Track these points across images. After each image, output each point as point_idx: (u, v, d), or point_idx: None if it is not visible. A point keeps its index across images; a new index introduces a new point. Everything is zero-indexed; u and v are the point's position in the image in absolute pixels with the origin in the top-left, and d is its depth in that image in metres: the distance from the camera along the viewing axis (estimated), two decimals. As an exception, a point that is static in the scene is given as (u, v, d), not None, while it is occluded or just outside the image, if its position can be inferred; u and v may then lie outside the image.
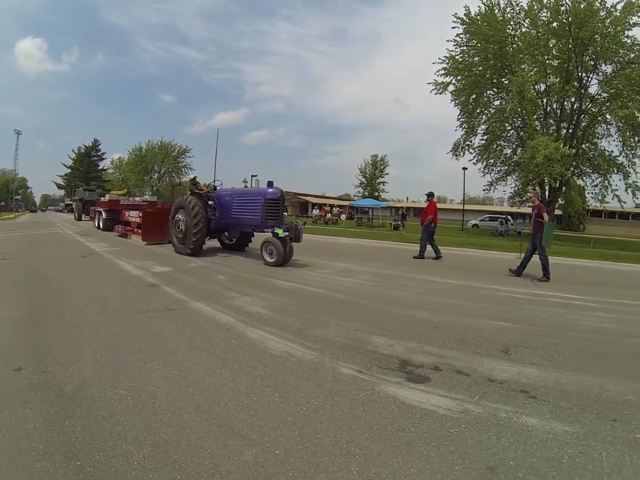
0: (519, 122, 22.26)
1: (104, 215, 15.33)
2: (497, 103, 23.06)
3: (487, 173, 23.87)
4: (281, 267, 7.04)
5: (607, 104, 19.11)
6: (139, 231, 11.24)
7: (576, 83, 20.22)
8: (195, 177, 9.77)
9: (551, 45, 20.42)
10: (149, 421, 1.92)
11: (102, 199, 18.23)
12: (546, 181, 20.44)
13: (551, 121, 22.18)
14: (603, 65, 19.76)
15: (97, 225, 16.43)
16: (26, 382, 2.29)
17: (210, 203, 8.78)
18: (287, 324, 3.61)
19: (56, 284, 5.37)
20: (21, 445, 1.69)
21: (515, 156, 22.62)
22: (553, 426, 2.04)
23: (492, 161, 23.56)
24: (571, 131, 21.54)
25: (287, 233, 7.33)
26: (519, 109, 20.27)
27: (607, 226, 38.88)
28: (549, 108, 22.22)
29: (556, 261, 9.47)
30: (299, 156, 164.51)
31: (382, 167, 50.80)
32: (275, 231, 7.33)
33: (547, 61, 20.99)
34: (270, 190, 7.78)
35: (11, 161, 52.86)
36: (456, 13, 21.32)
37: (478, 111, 23.24)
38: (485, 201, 61.70)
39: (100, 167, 57.97)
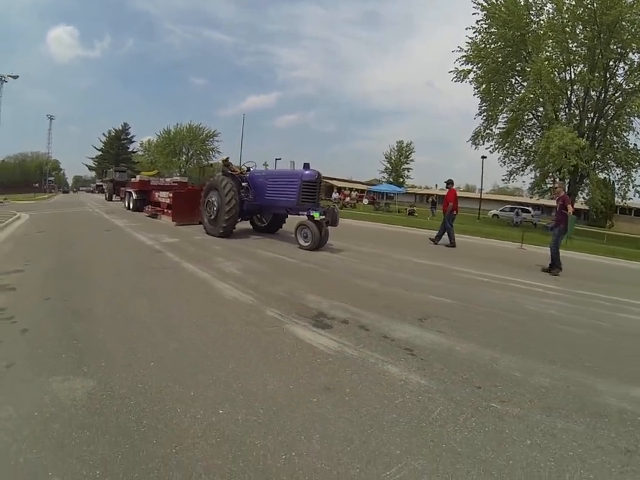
0: (541, 111, 21.87)
1: (134, 195, 15.60)
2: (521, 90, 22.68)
3: (506, 163, 23.67)
4: (315, 250, 7.06)
5: (632, 96, 18.49)
6: (169, 212, 11.42)
7: (602, 72, 19.64)
8: (228, 157, 9.64)
9: (577, 32, 19.86)
10: (129, 327, 3.03)
11: (132, 179, 18.53)
12: (561, 172, 20.17)
13: (576, 111, 21.64)
14: (631, 53, 19.01)
15: (126, 205, 16.69)
16: (51, 306, 3.44)
17: (243, 184, 8.74)
18: (248, 281, 4.63)
19: (81, 249, 6.69)
20: (48, 335, 2.81)
21: (534, 146, 22.24)
22: (409, 377, 2.34)
23: (512, 149, 23.31)
24: (594, 122, 20.99)
25: (323, 216, 7.29)
26: (537, 98, 20.00)
27: (637, 224, 37.06)
28: (574, 97, 21.66)
29: (561, 253, 9.73)
30: (329, 140, 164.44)
31: (407, 153, 50.39)
32: (311, 214, 7.29)
33: (574, 48, 20.40)
34: (307, 172, 7.69)
35: (44, 144, 56.45)
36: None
37: (500, 98, 22.89)
38: (514, 192, 60.03)
39: (130, 150, 61.20)
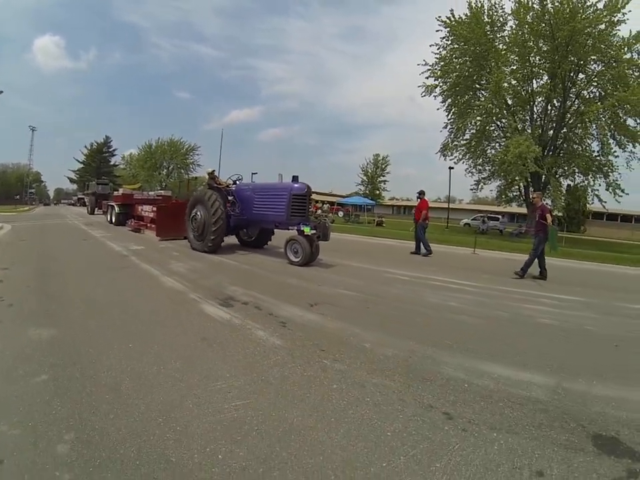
0: (504, 122, 23.60)
1: (117, 209, 15.55)
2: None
3: (473, 173, 25.32)
4: (305, 266, 6.96)
5: (590, 104, 20.23)
6: (153, 226, 11.41)
7: (562, 83, 21.35)
8: (213, 170, 9.54)
9: (539, 45, 21.61)
10: (87, 304, 4.24)
11: (115, 192, 18.62)
12: (519, 180, 21.72)
13: (539, 121, 23.49)
14: (588, 64, 20.91)
15: (109, 219, 16.62)
16: (31, 291, 4.60)
17: (230, 198, 8.76)
18: (188, 277, 5.82)
19: (58, 253, 7.86)
20: (27, 307, 4.02)
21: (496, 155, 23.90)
22: (269, 338, 3.13)
23: (478, 160, 24.94)
24: (556, 130, 22.74)
25: (314, 231, 7.28)
26: (494, 109, 21.83)
27: (609, 228, 38.99)
28: (538, 108, 23.53)
29: (509, 256, 11.20)
30: (313, 153, 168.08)
31: (383, 166, 52.65)
32: (301, 229, 7.27)
33: (536, 61, 22.22)
34: (296, 185, 7.69)
35: (26, 155, 57.06)
36: (439, 16, 22.98)
37: (469, 111, 24.28)
38: (493, 201, 63.13)
39: (111, 163, 62.21)
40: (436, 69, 23.69)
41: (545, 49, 21.36)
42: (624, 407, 2.30)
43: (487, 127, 23.89)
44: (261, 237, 9.62)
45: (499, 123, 23.76)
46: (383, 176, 53.14)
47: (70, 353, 2.81)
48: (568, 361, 3.04)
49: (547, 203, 24.15)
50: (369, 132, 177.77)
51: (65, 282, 5.20)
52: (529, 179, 22.25)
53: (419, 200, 10.86)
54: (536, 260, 7.21)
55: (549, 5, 20.26)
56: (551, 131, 23.08)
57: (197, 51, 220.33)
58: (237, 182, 9.44)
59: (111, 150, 62.21)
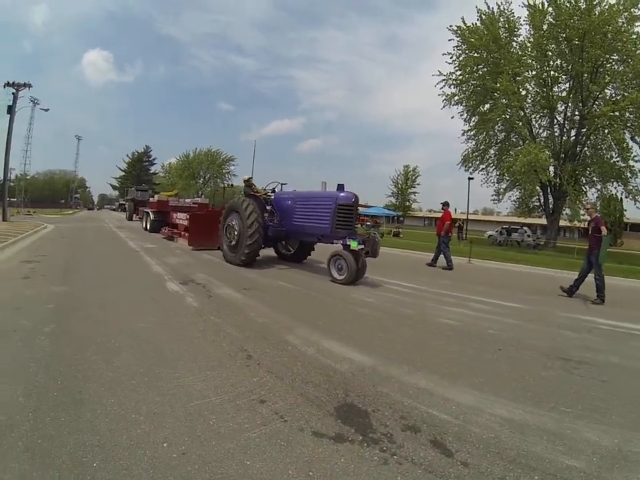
0: (527, 130, 23.58)
1: (151, 215, 15.92)
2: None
3: (489, 184, 25.43)
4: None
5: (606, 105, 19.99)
6: (186, 235, 11.30)
7: (579, 86, 21.28)
8: (250, 177, 9.25)
9: (560, 47, 21.53)
10: (95, 276, 6.24)
11: (150, 199, 19.16)
12: (527, 190, 21.71)
13: (556, 129, 23.60)
14: (610, 64, 20.62)
15: (144, 225, 17.12)
16: (59, 268, 6.73)
17: (267, 207, 8.51)
18: (174, 267, 7.67)
19: (86, 247, 10.21)
20: (54, 276, 6.06)
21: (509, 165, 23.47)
22: (191, 303, 4.64)
23: (494, 170, 25.13)
24: (576, 137, 22.71)
25: (362, 246, 6.82)
26: (510, 116, 22.14)
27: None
28: (557, 114, 23.55)
29: (500, 266, 11.84)
30: (350, 164, 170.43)
31: (414, 178, 53.36)
32: (347, 243, 6.87)
33: (553, 65, 22.22)
34: (342, 194, 7.21)
35: (73, 162, 63.87)
36: (451, 25, 23.55)
37: (488, 118, 23.81)
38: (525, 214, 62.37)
39: (151, 171, 67.94)
40: (451, 78, 24.15)
41: (564, 50, 21.28)
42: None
43: (508, 135, 24.15)
44: (300, 251, 9.23)
45: (516, 130, 23.72)
46: (414, 187, 53.88)
47: (70, 296, 4.78)
48: None
49: (566, 213, 24.06)
50: (406, 142, 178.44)
51: (83, 265, 7.32)
52: (540, 189, 22.35)
53: (443, 211, 10.75)
54: (573, 276, 6.97)
55: (565, 2, 20.23)
56: (572, 137, 22.97)
57: (234, 62, 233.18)
58: (275, 190, 9.13)
59: (150, 159, 68.36)
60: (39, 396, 2.28)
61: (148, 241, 12.58)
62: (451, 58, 23.98)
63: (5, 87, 19.51)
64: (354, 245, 6.77)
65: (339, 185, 7.46)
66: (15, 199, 40.20)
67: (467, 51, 23.62)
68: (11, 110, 19.15)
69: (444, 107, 24.86)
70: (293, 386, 2.59)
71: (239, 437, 1.94)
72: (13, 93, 19.56)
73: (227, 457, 1.78)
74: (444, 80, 24.38)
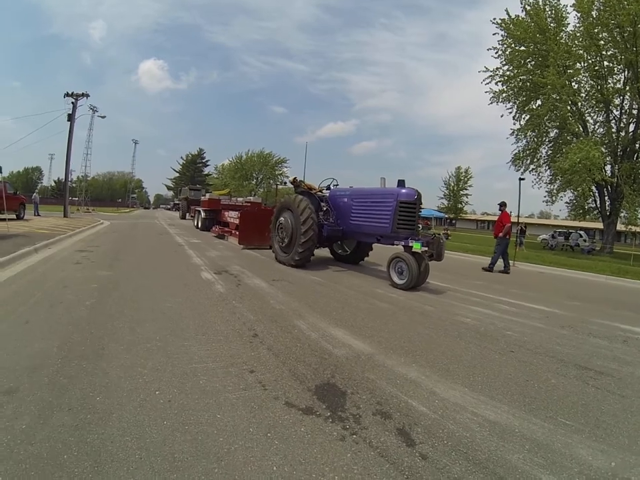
0: (580, 126, 22.23)
1: (203, 214, 16.34)
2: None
3: (538, 185, 24.22)
4: (411, 290, 6.25)
5: None
6: (237, 233, 11.34)
7: (635, 76, 19.63)
8: (296, 177, 9.08)
9: (612, 34, 19.89)
10: (139, 263, 6.97)
11: (202, 197, 19.36)
12: (580, 189, 20.20)
13: (613, 124, 21.83)
14: None
15: (195, 224, 17.54)
16: (108, 256, 7.56)
17: (322, 205, 8.30)
18: (213, 259, 8.30)
19: (135, 241, 11.25)
20: (102, 262, 6.87)
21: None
22: (218, 288, 5.74)
23: (544, 169, 23.86)
24: (631, 133, 20.91)
25: (425, 248, 6.43)
26: (560, 112, 20.76)
27: None
28: (615, 110, 21.80)
29: (546, 270, 11.58)
30: (404, 166, 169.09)
31: (466, 179, 51.64)
32: (410, 244, 6.49)
33: (607, 54, 20.61)
34: (404, 190, 6.79)
35: (130, 164, 69.52)
36: (494, 18, 22.52)
37: (546, 118, 22.80)
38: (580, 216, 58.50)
39: (204, 173, 71.91)
40: (497, 74, 23.19)
41: (617, 38, 19.60)
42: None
43: (561, 133, 22.87)
44: (357, 252, 8.94)
45: (568, 127, 22.12)
46: (465, 189, 52.11)
47: (112, 279, 5.42)
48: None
49: (623, 216, 21.97)
50: (460, 143, 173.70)
51: (130, 255, 8.13)
52: (595, 189, 20.82)
53: (500, 212, 10.30)
54: None
55: None
56: (630, 133, 21.05)
57: (285, 67, 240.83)
58: (331, 187, 8.86)
59: (204, 161, 72.78)
60: (69, 349, 2.78)
61: (195, 237, 13.51)
62: (497, 53, 23.14)
63: (64, 97, 21.79)
64: (417, 246, 6.40)
65: (399, 180, 7.05)
66: (76, 198, 44.57)
67: (512, 45, 22.60)
68: (70, 118, 21.30)
69: (491, 103, 24.00)
70: (285, 362, 2.81)
71: (219, 396, 2.21)
72: (72, 103, 21.81)
73: (203, 409, 2.06)
74: (490, 76, 23.51)
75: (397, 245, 6.83)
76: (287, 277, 6.60)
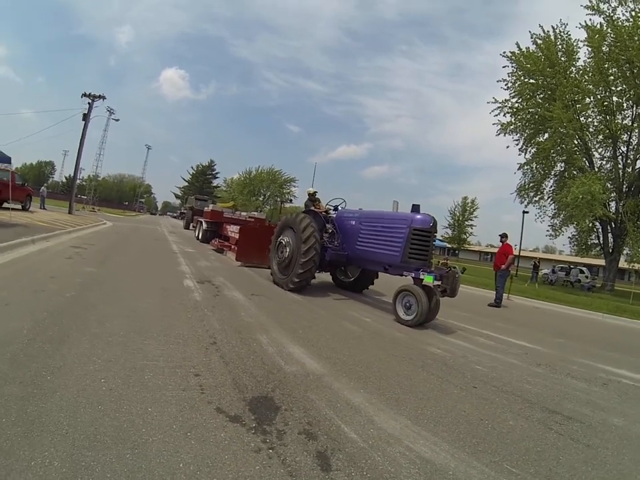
0: (586, 161, 22.55)
1: (204, 225, 15.93)
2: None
3: (541, 219, 24.31)
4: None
5: None
6: (236, 248, 10.89)
7: None
8: (316, 191, 8.48)
9: (622, 69, 20.25)
10: (128, 264, 7.24)
11: (205, 208, 18.87)
12: (580, 225, 20.32)
13: (620, 160, 22.09)
14: None
15: (196, 235, 17.13)
16: (101, 254, 7.85)
17: (328, 226, 7.81)
18: (200, 269, 8.56)
19: (131, 243, 11.57)
20: (92, 259, 7.14)
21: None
22: (195, 296, 6.00)
23: (548, 202, 24.03)
24: (638, 170, 21.15)
25: (438, 282, 5.83)
26: (565, 146, 21.16)
27: None
28: (622, 146, 22.12)
29: (541, 305, 11.07)
30: (414, 193, 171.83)
31: (471, 210, 51.91)
32: (420, 277, 5.96)
33: (616, 90, 21.06)
34: (418, 216, 6.25)
35: (141, 168, 71.25)
36: (505, 52, 23.20)
37: (553, 151, 22.85)
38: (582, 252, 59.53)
39: (213, 185, 73.17)
40: (506, 105, 23.63)
41: (626, 73, 20.00)
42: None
43: (567, 167, 23.16)
44: (361, 279, 8.34)
45: (573, 161, 22.47)
46: (471, 220, 52.30)
47: (97, 276, 5.69)
48: None
49: (626, 253, 21.88)
50: (471, 173, 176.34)
51: (122, 256, 8.47)
52: (599, 225, 21.02)
53: (502, 244, 10.21)
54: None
55: (622, 19, 19.34)
56: (637, 169, 21.33)
57: (304, 86, 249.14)
58: (338, 208, 8.31)
59: (214, 172, 74.15)
60: (37, 332, 3.05)
61: (191, 247, 13.76)
62: (506, 85, 23.69)
63: (82, 97, 22.75)
64: (429, 279, 5.82)
65: (413, 205, 6.55)
66: (85, 197, 45.45)
67: (522, 77, 23.16)
68: (85, 117, 22.16)
69: (498, 134, 24.37)
70: (232, 371, 2.95)
71: (157, 392, 2.39)
72: (89, 103, 22.74)
73: (138, 401, 2.24)
74: (499, 107, 23.99)
75: (406, 275, 6.29)
76: (266, 293, 6.78)
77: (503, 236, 10.11)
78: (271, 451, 1.94)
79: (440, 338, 5.29)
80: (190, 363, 2.96)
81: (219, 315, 4.64)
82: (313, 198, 8.41)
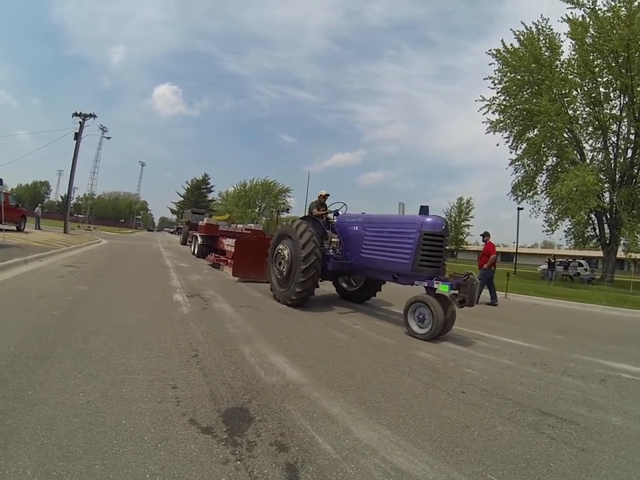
0: (577, 153, 22.78)
1: (200, 240, 15.58)
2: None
3: (536, 214, 24.52)
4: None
5: None
6: (232, 263, 10.36)
7: (630, 101, 20.20)
8: (328, 194, 7.93)
9: (607, 61, 20.49)
10: (121, 279, 7.36)
11: (199, 222, 18.64)
12: (576, 217, 20.44)
13: (611, 150, 22.30)
14: None
15: (192, 250, 16.83)
16: (94, 272, 7.96)
17: (330, 234, 7.44)
18: (191, 283, 8.66)
19: (125, 260, 11.67)
20: (86, 275, 7.26)
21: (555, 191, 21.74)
22: (183, 310, 6.13)
23: (542, 198, 24.22)
24: (629, 159, 21.29)
25: (455, 292, 5.34)
26: (556, 140, 21.38)
27: None
28: (612, 136, 22.32)
29: (539, 301, 11.64)
30: (411, 197, 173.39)
31: (467, 210, 51.99)
32: (434, 286, 5.44)
33: (603, 81, 21.35)
34: (429, 219, 5.71)
35: (136, 185, 71.69)
36: (490, 49, 23.47)
37: (543, 146, 22.97)
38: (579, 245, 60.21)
39: (208, 199, 73.65)
40: (494, 103, 23.85)
41: (611, 64, 20.16)
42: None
43: (559, 161, 23.37)
44: (365, 288, 7.90)
45: (564, 154, 22.66)
46: (467, 220, 52.39)
47: (87, 294, 5.81)
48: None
49: (623, 243, 21.90)
50: (466, 174, 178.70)
51: (114, 273, 8.58)
52: (595, 217, 21.21)
53: (483, 243, 10.24)
54: None
55: (603, 10, 19.51)
56: (628, 158, 21.43)
57: (295, 96, 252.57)
58: (339, 213, 7.81)
59: (208, 186, 74.72)
60: (23, 349, 3.19)
61: (185, 262, 13.80)
62: (493, 82, 23.92)
63: (72, 117, 23.10)
64: (444, 289, 5.30)
65: (422, 207, 6.00)
66: (81, 215, 45.68)
67: (508, 74, 23.44)
68: (77, 137, 22.45)
69: (488, 132, 24.55)
70: (210, 383, 3.01)
71: (133, 405, 2.48)
72: (80, 122, 23.06)
73: (113, 413, 2.33)
74: (487, 105, 24.17)
75: (417, 285, 5.76)
76: (255, 304, 6.84)
77: (485, 235, 10.09)
78: (239, 462, 1.94)
79: (430, 342, 5.10)
80: (169, 376, 3.05)
81: (205, 328, 4.72)
82: (321, 201, 7.91)
